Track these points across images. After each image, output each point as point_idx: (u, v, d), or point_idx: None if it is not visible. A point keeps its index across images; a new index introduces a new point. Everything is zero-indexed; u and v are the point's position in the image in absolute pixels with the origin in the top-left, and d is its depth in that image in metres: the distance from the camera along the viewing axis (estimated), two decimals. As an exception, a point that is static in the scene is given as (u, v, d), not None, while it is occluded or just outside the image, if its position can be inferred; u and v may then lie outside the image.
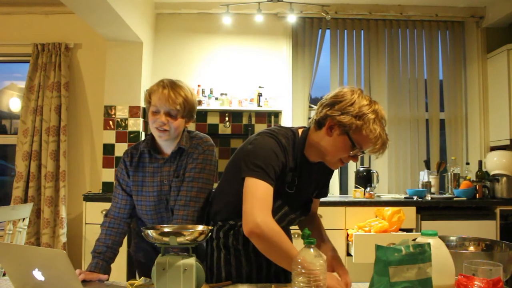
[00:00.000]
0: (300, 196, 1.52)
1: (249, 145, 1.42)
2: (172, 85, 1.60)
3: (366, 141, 1.35)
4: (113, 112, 3.71)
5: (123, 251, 1.79)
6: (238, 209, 1.35)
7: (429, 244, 1.07)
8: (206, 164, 1.64)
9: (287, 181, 1.45)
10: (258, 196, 1.31)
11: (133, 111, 3.70)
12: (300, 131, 1.50)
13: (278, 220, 1.44)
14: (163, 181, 1.65)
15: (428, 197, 3.51)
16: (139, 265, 1.80)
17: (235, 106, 3.84)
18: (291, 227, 1.65)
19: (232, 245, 1.52)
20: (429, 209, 3.36)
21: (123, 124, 3.71)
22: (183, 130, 1.68)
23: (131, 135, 3.70)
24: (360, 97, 1.36)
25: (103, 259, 1.58)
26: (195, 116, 1.71)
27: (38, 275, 1.16)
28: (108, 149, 3.69)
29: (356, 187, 3.64)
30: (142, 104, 3.74)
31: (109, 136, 3.71)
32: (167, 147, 1.67)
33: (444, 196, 3.60)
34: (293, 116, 4.00)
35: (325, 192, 1.67)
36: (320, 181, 1.60)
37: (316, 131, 1.43)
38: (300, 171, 1.47)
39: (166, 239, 1.22)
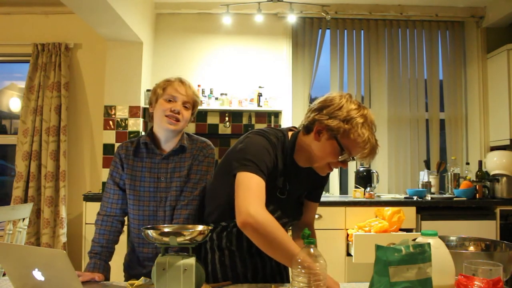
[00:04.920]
0: (291, 200, 1.51)
1: (239, 145, 1.41)
2: (187, 82, 1.71)
3: (354, 145, 1.33)
4: (113, 112, 3.71)
5: (123, 251, 1.79)
6: (230, 211, 1.34)
7: (429, 244, 1.07)
8: (210, 167, 1.68)
9: (278, 186, 1.44)
10: (251, 188, 1.28)
11: (133, 111, 3.70)
12: (290, 133, 1.49)
13: None
14: (160, 178, 1.65)
15: (428, 197, 3.51)
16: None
17: (235, 106, 3.84)
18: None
19: (226, 247, 1.50)
20: (429, 209, 3.36)
21: (123, 124, 3.71)
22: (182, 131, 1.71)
23: (131, 135, 3.70)
24: (348, 101, 1.35)
25: (100, 259, 1.59)
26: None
27: (38, 275, 1.16)
28: (108, 149, 3.69)
29: (356, 187, 3.64)
30: (142, 104, 3.74)
31: (109, 136, 3.70)
32: (166, 143, 1.68)
33: (444, 196, 3.60)
34: (293, 116, 3.99)
35: (318, 194, 1.64)
36: (314, 184, 1.58)
37: (305, 136, 1.42)
38: (289, 175, 1.46)
39: (166, 239, 1.22)
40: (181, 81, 1.69)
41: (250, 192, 1.27)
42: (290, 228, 1.67)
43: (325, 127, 1.35)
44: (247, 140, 1.41)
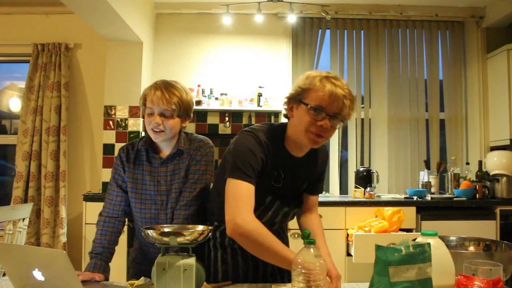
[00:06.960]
0: (289, 188, 1.52)
1: (232, 145, 1.45)
2: (166, 86, 1.60)
3: (319, 98, 1.33)
4: (113, 112, 3.71)
5: (123, 251, 1.79)
6: None
7: (429, 244, 1.07)
8: (208, 165, 1.67)
9: (273, 176, 1.46)
10: (237, 197, 1.33)
11: (133, 111, 3.70)
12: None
13: (272, 215, 1.47)
14: (160, 181, 1.65)
15: (428, 197, 3.51)
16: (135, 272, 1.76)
17: (235, 106, 3.84)
18: (292, 230, 1.62)
19: (229, 245, 1.52)
20: (429, 209, 3.36)
21: (123, 124, 3.71)
22: (180, 131, 1.68)
23: (131, 135, 3.70)
24: (314, 71, 1.42)
25: (101, 259, 1.59)
26: (191, 115, 1.70)
27: (38, 275, 1.16)
28: (108, 149, 3.69)
29: (356, 187, 3.64)
30: (142, 104, 3.74)
31: (109, 136, 3.70)
32: (165, 147, 1.68)
33: (444, 196, 3.60)
34: (293, 116, 3.99)
35: (319, 188, 1.65)
36: (311, 175, 1.59)
37: (289, 122, 1.48)
38: (284, 164, 1.47)
39: (166, 239, 1.22)
40: (157, 88, 1.59)
41: (237, 201, 1.32)
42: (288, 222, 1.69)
43: (290, 98, 1.42)
44: (236, 141, 1.44)
